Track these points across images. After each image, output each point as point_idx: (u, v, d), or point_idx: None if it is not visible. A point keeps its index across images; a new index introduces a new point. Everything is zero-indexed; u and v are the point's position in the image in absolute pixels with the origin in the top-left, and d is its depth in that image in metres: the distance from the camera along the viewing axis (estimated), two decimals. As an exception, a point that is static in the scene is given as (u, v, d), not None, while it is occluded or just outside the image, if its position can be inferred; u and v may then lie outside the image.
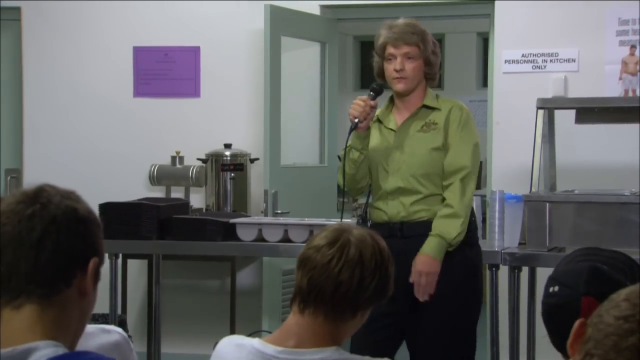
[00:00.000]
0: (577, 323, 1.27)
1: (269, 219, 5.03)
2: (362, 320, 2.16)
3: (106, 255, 1.74)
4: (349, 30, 9.55)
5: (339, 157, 3.78)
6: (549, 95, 5.37)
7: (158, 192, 5.94)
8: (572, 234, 4.19)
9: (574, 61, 5.48)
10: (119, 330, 2.02)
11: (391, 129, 3.68)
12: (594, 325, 1.22)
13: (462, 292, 3.57)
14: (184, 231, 4.53)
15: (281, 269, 5.63)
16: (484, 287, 3.86)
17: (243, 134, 5.93)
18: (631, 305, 1.20)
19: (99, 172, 6.09)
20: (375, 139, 3.68)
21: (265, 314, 5.63)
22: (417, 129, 3.65)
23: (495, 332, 4.35)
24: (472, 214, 3.67)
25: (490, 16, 5.73)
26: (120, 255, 4.86)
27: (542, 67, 5.53)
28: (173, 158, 5.88)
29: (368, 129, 3.65)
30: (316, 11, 5.95)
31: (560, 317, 1.91)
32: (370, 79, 3.98)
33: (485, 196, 5.25)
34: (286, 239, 4.44)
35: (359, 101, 3.62)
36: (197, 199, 5.86)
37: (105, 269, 3.36)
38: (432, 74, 3.71)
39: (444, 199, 3.61)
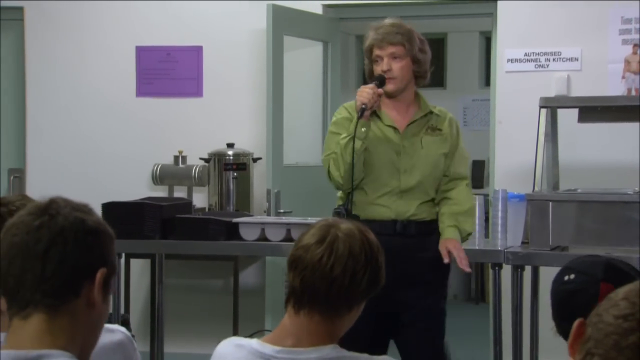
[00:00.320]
0: (576, 323, 1.27)
1: (271, 219, 5.03)
2: (357, 313, 2.16)
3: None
4: (351, 30, 9.55)
5: (336, 152, 3.71)
6: (552, 94, 5.36)
7: (161, 192, 5.94)
8: (574, 233, 4.19)
9: (577, 60, 5.48)
10: (122, 329, 2.02)
11: (391, 127, 3.67)
12: (594, 324, 1.22)
13: (440, 290, 3.71)
14: (186, 231, 4.53)
15: (284, 268, 5.59)
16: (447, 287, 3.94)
17: (246, 134, 5.93)
18: (630, 304, 1.20)
19: (102, 172, 6.10)
20: (377, 133, 3.68)
21: (268, 313, 5.63)
22: (423, 132, 3.71)
23: (498, 331, 4.35)
24: None
25: (492, 15, 5.73)
26: (123, 254, 4.86)
27: (545, 66, 5.52)
28: (176, 157, 5.88)
29: (369, 119, 3.65)
30: (318, 10, 5.95)
31: (577, 302, 1.95)
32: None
33: (488, 195, 5.24)
34: (289, 239, 4.44)
35: (367, 89, 3.62)
36: (200, 199, 5.87)
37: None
38: (421, 72, 3.73)
39: (444, 199, 3.71)
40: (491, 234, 4.60)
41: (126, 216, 4.49)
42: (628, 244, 4.04)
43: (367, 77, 3.79)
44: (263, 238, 4.51)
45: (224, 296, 5.91)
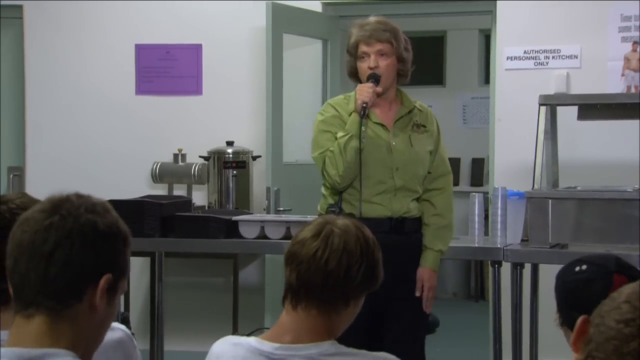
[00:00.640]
0: (580, 319, 1.27)
1: (271, 217, 5.03)
2: (355, 309, 2.17)
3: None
4: (350, 28, 9.54)
5: (332, 151, 3.71)
6: (551, 92, 5.36)
7: (160, 190, 5.94)
8: (574, 231, 4.19)
9: (576, 58, 5.48)
10: (122, 327, 2.02)
11: (379, 124, 3.67)
12: (596, 326, 1.22)
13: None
14: (186, 229, 4.53)
15: (283, 266, 5.62)
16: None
17: (245, 132, 5.94)
18: (632, 308, 1.19)
19: (102, 170, 6.10)
20: (368, 132, 3.67)
21: (268, 311, 5.63)
22: (409, 129, 3.70)
23: (498, 328, 4.35)
24: None
25: (492, 13, 5.73)
26: (123, 252, 4.85)
27: (545, 63, 5.52)
28: (175, 156, 5.88)
29: (367, 117, 3.65)
30: (318, 8, 5.95)
31: (590, 291, 1.99)
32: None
33: (487, 193, 5.25)
34: (288, 236, 4.44)
35: (366, 87, 3.62)
36: (200, 197, 5.87)
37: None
38: (405, 71, 3.73)
39: (426, 200, 3.75)
40: (491, 231, 4.60)
41: (126, 214, 4.41)
42: (628, 242, 4.05)
43: (349, 74, 3.78)
44: (263, 236, 4.51)
45: (223, 294, 5.91)
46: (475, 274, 8.58)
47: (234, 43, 6.00)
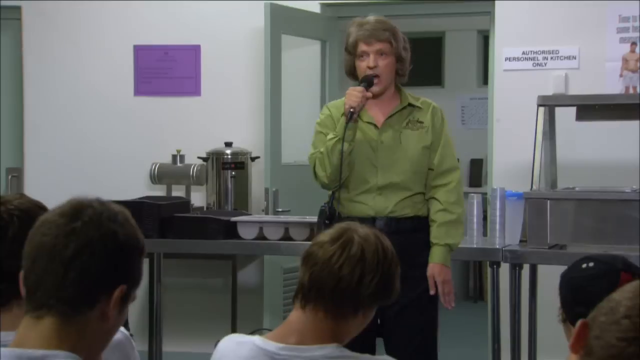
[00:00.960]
0: (579, 323, 1.27)
1: (269, 217, 5.03)
2: (365, 320, 2.16)
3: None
4: (349, 26, 9.54)
5: (322, 152, 3.70)
6: (550, 93, 5.37)
7: (159, 191, 5.94)
8: (573, 231, 4.19)
9: (575, 58, 5.48)
10: (121, 328, 2.02)
11: (369, 124, 3.67)
12: (596, 339, 1.21)
13: (422, 268, 3.62)
14: (185, 230, 4.54)
15: (282, 267, 5.63)
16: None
17: (244, 133, 5.93)
18: (632, 325, 1.19)
19: (100, 171, 6.09)
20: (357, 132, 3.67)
21: (267, 312, 5.63)
22: (402, 126, 3.67)
23: (497, 329, 4.35)
24: None
25: (490, 14, 5.73)
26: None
27: (543, 64, 5.53)
28: (174, 157, 5.88)
29: (356, 121, 3.65)
30: (316, 9, 5.95)
31: (597, 287, 2.03)
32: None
33: (486, 194, 5.25)
34: (287, 237, 4.44)
35: (356, 92, 3.61)
36: (198, 198, 5.87)
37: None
38: (403, 70, 3.72)
39: (432, 198, 3.66)
40: (489, 232, 4.60)
41: (124, 215, 4.49)
42: (626, 242, 4.05)
43: (347, 73, 3.77)
44: (261, 237, 4.51)
45: (222, 295, 5.91)
46: (473, 274, 8.58)
47: (233, 44, 6.00)
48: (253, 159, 5.78)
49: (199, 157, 5.79)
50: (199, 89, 6.09)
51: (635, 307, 1.20)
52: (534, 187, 4.34)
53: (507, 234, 4.42)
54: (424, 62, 8.17)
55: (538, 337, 4.59)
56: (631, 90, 5.36)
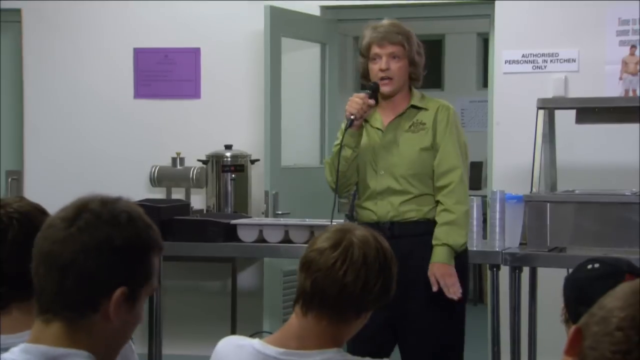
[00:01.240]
0: (572, 329, 1.27)
1: (269, 220, 5.03)
2: (364, 320, 2.15)
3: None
4: (349, 31, 9.55)
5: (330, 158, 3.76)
6: (549, 96, 5.37)
7: (159, 194, 5.94)
8: (572, 234, 4.19)
9: (574, 61, 5.48)
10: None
11: (377, 129, 3.68)
12: (590, 349, 1.21)
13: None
14: (184, 232, 4.53)
15: (282, 270, 5.63)
16: (468, 287, 3.89)
17: (243, 135, 5.93)
18: (625, 338, 1.17)
19: (100, 174, 6.09)
20: (363, 137, 3.69)
21: (266, 315, 5.63)
22: (405, 129, 3.66)
23: (496, 332, 4.35)
24: None
25: (490, 16, 5.73)
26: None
27: (543, 67, 5.53)
28: (174, 159, 5.88)
29: (361, 127, 3.65)
30: (316, 12, 5.96)
31: (601, 286, 2.03)
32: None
33: (485, 196, 5.25)
34: (287, 240, 4.44)
35: (357, 98, 3.61)
36: (198, 200, 5.86)
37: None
38: (416, 75, 3.72)
39: (437, 201, 3.64)
40: (489, 235, 4.60)
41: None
42: (626, 245, 4.05)
43: (361, 76, 3.79)
44: (261, 240, 4.51)
45: (222, 298, 5.91)
46: (473, 277, 8.57)
47: (233, 47, 6.00)
48: (253, 162, 5.78)
49: (198, 160, 5.79)
50: (199, 92, 6.09)
51: (627, 318, 1.19)
52: (534, 189, 4.34)
53: (507, 236, 4.42)
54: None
55: (538, 339, 4.58)
56: (631, 93, 5.36)
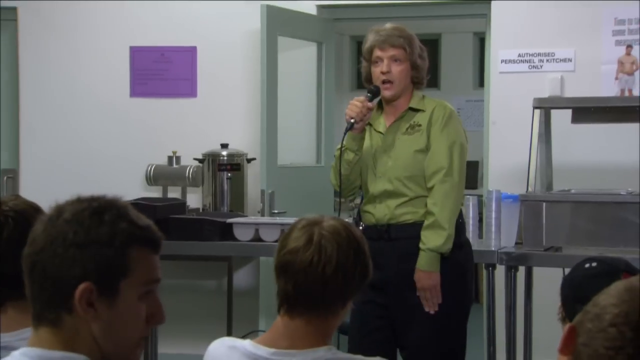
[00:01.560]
0: (567, 327, 1.27)
1: (265, 219, 5.03)
2: (349, 306, 2.15)
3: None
4: (345, 31, 9.56)
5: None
6: (546, 95, 5.37)
7: (155, 192, 5.94)
8: (568, 234, 4.19)
9: (570, 61, 5.49)
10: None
11: (379, 132, 3.69)
12: (584, 346, 1.21)
13: (451, 294, 3.57)
14: (180, 231, 4.54)
15: (278, 269, 5.62)
16: (473, 287, 3.86)
17: (240, 134, 5.93)
18: (619, 334, 1.18)
19: (96, 172, 6.09)
20: (366, 141, 3.69)
21: (262, 314, 5.63)
22: (402, 132, 3.66)
23: (492, 331, 4.35)
24: (460, 215, 3.65)
25: (486, 16, 5.74)
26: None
27: (539, 67, 5.53)
28: (170, 158, 5.88)
29: (363, 130, 3.66)
30: (313, 11, 5.95)
31: (597, 285, 2.04)
32: (366, 79, 3.97)
33: (481, 196, 5.25)
34: (283, 239, 4.44)
35: (357, 102, 3.62)
36: (194, 199, 5.86)
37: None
38: (419, 78, 3.71)
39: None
40: (485, 234, 4.60)
41: (120, 217, 4.48)
42: (622, 245, 4.05)
43: (364, 79, 3.77)
44: (257, 238, 4.51)
45: (217, 297, 5.90)
46: (469, 276, 8.57)
47: (229, 45, 6.00)
48: (249, 161, 5.78)
49: (194, 159, 5.79)
50: (195, 91, 6.08)
51: (621, 314, 1.19)
52: (530, 189, 4.35)
53: (503, 236, 4.42)
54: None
55: (533, 339, 4.59)
56: (627, 93, 5.37)
